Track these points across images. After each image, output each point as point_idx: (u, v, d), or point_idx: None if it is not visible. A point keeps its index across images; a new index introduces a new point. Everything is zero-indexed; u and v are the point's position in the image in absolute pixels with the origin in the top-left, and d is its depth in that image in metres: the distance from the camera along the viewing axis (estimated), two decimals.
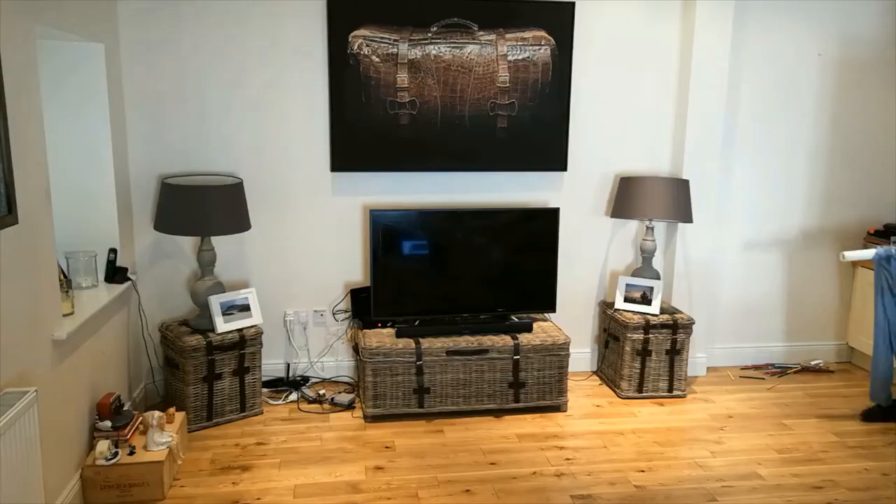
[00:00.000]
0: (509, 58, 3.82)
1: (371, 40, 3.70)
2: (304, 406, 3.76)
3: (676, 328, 3.85)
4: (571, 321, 4.18)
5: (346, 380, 4.05)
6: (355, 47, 3.69)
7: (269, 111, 3.74)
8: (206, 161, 3.72)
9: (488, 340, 3.59)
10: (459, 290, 3.79)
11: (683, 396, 3.94)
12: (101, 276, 3.33)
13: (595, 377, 4.22)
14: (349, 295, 3.96)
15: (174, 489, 2.94)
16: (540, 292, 3.83)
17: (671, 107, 4.08)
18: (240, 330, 3.51)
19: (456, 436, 3.44)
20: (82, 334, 2.86)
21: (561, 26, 3.83)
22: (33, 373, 2.41)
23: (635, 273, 4.03)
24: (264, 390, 3.83)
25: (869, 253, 3.39)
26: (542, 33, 3.83)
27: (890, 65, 4.24)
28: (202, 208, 3.34)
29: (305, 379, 4.00)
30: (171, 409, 3.20)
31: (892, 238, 3.46)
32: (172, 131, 3.66)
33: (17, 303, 2.33)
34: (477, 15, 3.75)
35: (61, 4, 2.77)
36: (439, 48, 3.76)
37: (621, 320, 3.88)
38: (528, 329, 3.74)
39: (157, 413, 2.99)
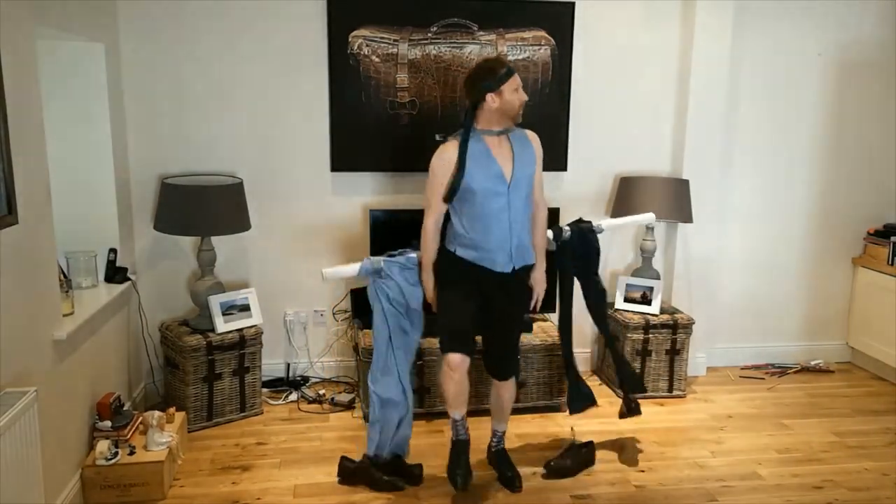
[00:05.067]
0: (509, 58, 3.82)
1: (371, 40, 3.70)
2: (304, 406, 3.76)
3: (676, 328, 3.85)
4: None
5: (346, 380, 4.05)
6: (355, 47, 3.69)
7: (269, 111, 3.74)
8: (206, 161, 3.72)
9: None
10: None
11: (683, 396, 3.94)
12: (101, 276, 3.33)
13: (595, 377, 4.22)
14: (349, 295, 3.96)
15: (174, 489, 2.94)
16: None
17: (671, 107, 4.08)
18: (240, 330, 3.51)
19: None
20: (82, 334, 2.86)
21: (561, 26, 3.83)
22: (33, 373, 2.41)
23: (635, 273, 4.03)
24: (264, 390, 3.83)
25: (353, 269, 2.99)
26: (542, 33, 3.83)
27: (890, 65, 4.24)
28: (202, 208, 3.34)
29: (305, 379, 4.00)
30: (171, 409, 3.20)
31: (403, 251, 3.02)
32: (172, 131, 3.66)
33: (17, 303, 2.33)
34: (477, 15, 3.75)
35: (61, 4, 2.77)
36: (439, 48, 3.76)
37: (621, 320, 3.88)
38: (529, 329, 3.73)
39: (157, 413, 2.99)
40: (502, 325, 2.91)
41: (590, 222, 3.28)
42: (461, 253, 2.80)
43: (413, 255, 2.99)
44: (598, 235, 3.28)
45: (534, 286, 2.94)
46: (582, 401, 3.28)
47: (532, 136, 2.88)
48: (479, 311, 2.84)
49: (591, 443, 3.26)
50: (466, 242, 2.78)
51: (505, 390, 3.00)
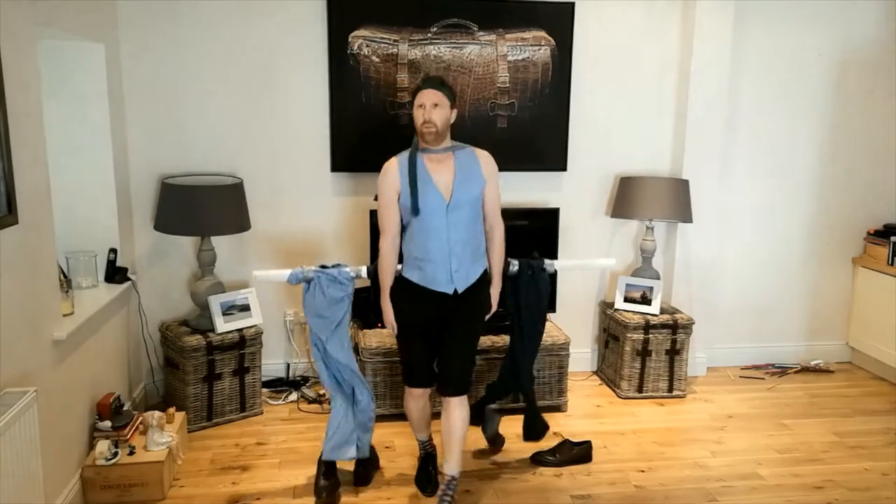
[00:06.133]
0: (509, 58, 3.82)
1: (371, 41, 3.70)
2: (304, 406, 3.76)
3: (676, 328, 3.85)
4: (571, 321, 4.18)
5: None
6: (355, 47, 3.69)
7: (270, 111, 3.74)
8: (206, 161, 3.72)
9: (488, 340, 3.59)
10: None
11: (683, 396, 3.94)
12: (102, 276, 3.33)
13: (595, 377, 4.22)
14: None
15: (174, 489, 2.94)
16: None
17: (671, 107, 4.08)
18: (240, 330, 3.51)
19: None
20: (82, 334, 2.86)
21: (561, 26, 3.83)
22: (33, 373, 2.41)
23: (635, 273, 4.03)
24: (264, 390, 3.83)
25: (283, 274, 2.89)
26: (542, 33, 3.83)
27: (890, 65, 4.24)
28: (202, 208, 3.34)
29: (305, 379, 4.00)
30: (171, 409, 3.20)
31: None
32: (172, 131, 3.66)
33: (17, 303, 2.33)
34: (477, 15, 3.75)
35: (62, 5, 2.78)
36: (439, 48, 3.76)
37: (621, 320, 3.88)
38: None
39: (157, 413, 2.99)
40: (452, 341, 2.79)
41: (541, 260, 3.13)
42: (407, 274, 2.77)
43: (347, 269, 2.90)
44: (548, 275, 3.12)
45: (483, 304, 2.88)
46: (536, 432, 3.28)
47: (481, 156, 2.79)
48: (433, 335, 2.80)
49: (587, 442, 3.27)
50: (411, 262, 2.76)
51: (454, 411, 2.78)
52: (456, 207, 2.70)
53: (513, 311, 3.11)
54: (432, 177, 2.70)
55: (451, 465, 2.82)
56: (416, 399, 2.88)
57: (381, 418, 3.57)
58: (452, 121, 2.73)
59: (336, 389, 2.92)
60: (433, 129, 2.66)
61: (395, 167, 2.75)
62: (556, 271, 3.17)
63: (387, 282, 2.81)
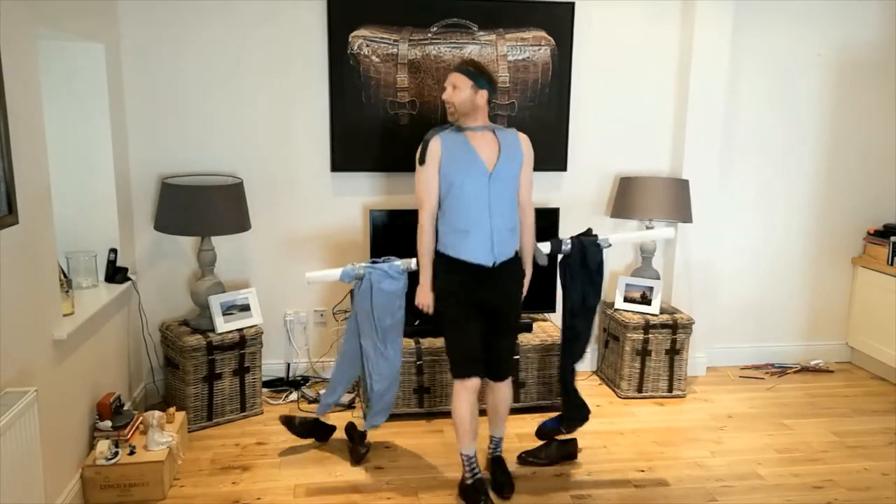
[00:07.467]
0: (509, 58, 3.82)
1: (371, 40, 3.70)
2: (304, 406, 3.76)
3: (676, 328, 3.85)
4: None
5: None
6: (355, 47, 3.69)
7: (270, 111, 3.74)
8: (206, 161, 3.72)
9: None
10: None
11: (683, 396, 3.95)
12: (102, 276, 3.34)
13: (595, 377, 4.22)
14: (349, 295, 3.95)
15: (174, 489, 2.95)
16: (539, 292, 3.83)
17: (671, 107, 4.08)
18: (240, 330, 3.52)
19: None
20: (82, 334, 2.87)
21: (561, 26, 3.84)
22: (33, 373, 2.41)
23: (635, 273, 4.03)
24: (264, 390, 3.84)
25: (335, 273, 3.05)
26: (542, 33, 3.83)
27: (889, 65, 4.24)
28: (202, 208, 3.34)
29: (305, 379, 4.00)
30: (172, 409, 3.20)
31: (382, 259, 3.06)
32: (172, 131, 3.67)
33: (18, 303, 2.33)
34: (477, 15, 3.75)
35: (62, 5, 2.78)
36: (439, 48, 3.76)
37: (621, 320, 3.88)
38: (528, 329, 3.74)
39: (157, 413, 2.99)
40: (498, 325, 2.87)
41: (595, 235, 3.13)
42: (447, 250, 2.81)
43: (398, 263, 3.00)
44: (605, 250, 3.13)
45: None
46: (577, 419, 3.22)
47: (522, 138, 2.90)
48: (479, 316, 2.82)
49: (573, 440, 3.26)
50: (449, 237, 2.80)
51: (502, 392, 2.96)
52: (497, 179, 2.77)
53: (570, 292, 3.14)
54: (475, 149, 2.78)
55: (498, 429, 3.07)
56: (470, 393, 2.78)
57: None
58: (481, 102, 2.78)
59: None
60: (451, 109, 2.81)
61: (437, 137, 2.83)
62: (610, 245, 3.17)
63: (426, 260, 2.85)
